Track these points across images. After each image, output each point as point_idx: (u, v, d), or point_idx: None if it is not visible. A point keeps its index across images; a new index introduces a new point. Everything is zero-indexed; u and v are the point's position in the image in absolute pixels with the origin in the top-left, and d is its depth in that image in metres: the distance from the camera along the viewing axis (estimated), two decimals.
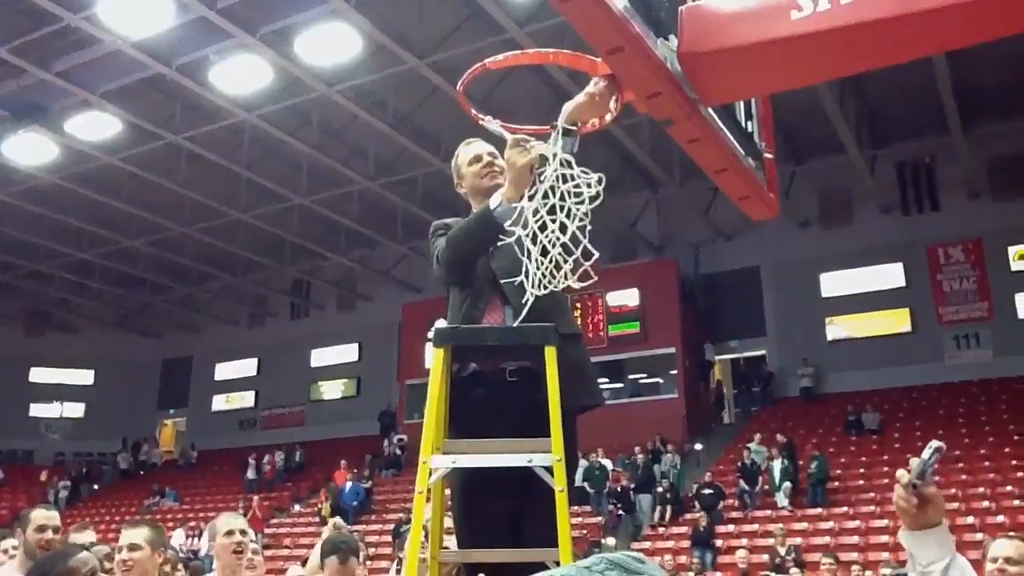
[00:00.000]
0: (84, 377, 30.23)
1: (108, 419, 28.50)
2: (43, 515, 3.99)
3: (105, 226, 22.15)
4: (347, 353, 27.40)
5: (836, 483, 17.16)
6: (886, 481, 16.88)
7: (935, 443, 1.79)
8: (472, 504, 2.80)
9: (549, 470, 2.37)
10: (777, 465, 16.97)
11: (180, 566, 5.24)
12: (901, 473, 1.76)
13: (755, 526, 16.26)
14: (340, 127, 18.75)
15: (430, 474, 2.39)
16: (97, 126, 17.61)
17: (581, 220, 2.45)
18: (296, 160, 19.85)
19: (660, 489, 17.61)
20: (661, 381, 22.05)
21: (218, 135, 18.32)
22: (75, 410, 30.03)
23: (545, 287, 2.47)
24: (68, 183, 19.70)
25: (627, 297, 21.82)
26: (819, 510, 16.26)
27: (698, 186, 19.31)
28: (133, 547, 3.38)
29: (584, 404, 2.79)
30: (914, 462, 1.76)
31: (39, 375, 29.84)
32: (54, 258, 23.98)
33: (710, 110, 2.82)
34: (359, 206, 21.66)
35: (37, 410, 29.72)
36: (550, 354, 2.47)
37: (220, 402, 29.60)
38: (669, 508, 17.25)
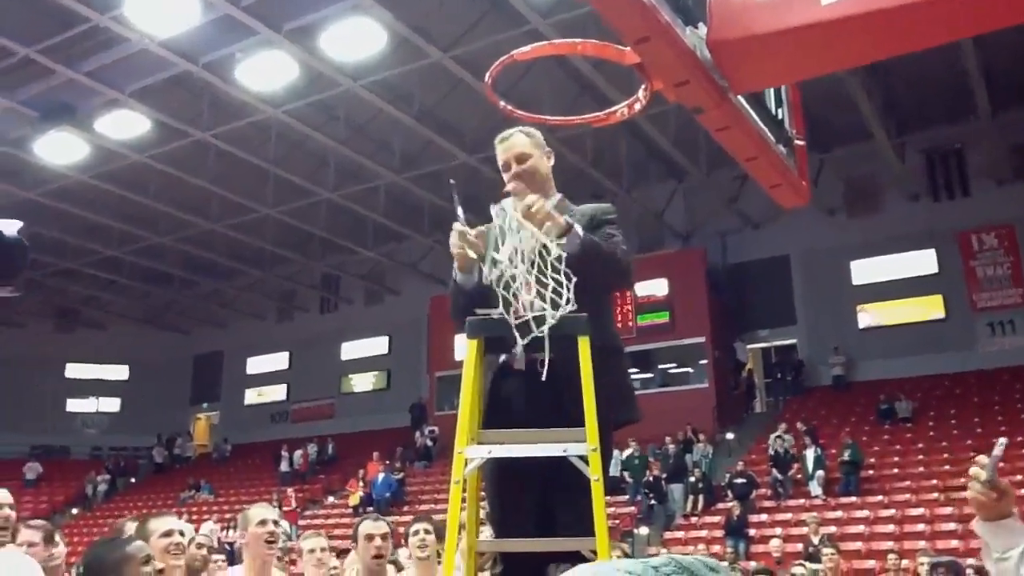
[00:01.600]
0: (119, 372, 30.69)
1: (143, 414, 28.91)
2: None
3: (134, 223, 22.40)
4: (377, 346, 27.56)
5: (870, 471, 17.04)
6: (920, 470, 16.75)
7: (1003, 440, 1.96)
8: (502, 492, 2.83)
9: (584, 460, 2.38)
10: (810, 454, 16.87)
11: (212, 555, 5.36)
12: (976, 471, 1.86)
13: (788, 515, 16.18)
14: (365, 121, 18.81)
15: (465, 464, 2.41)
16: (126, 125, 17.79)
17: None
18: (322, 155, 19.96)
19: (692, 479, 17.57)
20: (691, 371, 21.97)
21: (245, 131, 18.46)
22: (111, 405, 30.50)
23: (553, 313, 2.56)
24: (98, 181, 19.92)
25: (655, 287, 21.74)
26: (853, 499, 16.15)
27: (725, 175, 19.19)
28: (176, 532, 3.50)
29: (623, 419, 2.87)
30: (984, 459, 1.87)
31: (75, 371, 30.33)
32: (84, 256, 24.29)
33: (740, 98, 2.81)
34: (385, 200, 21.74)
35: (74, 405, 30.21)
36: (583, 343, 2.47)
37: (252, 396, 29.92)
38: (701, 498, 17.22)
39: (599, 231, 2.86)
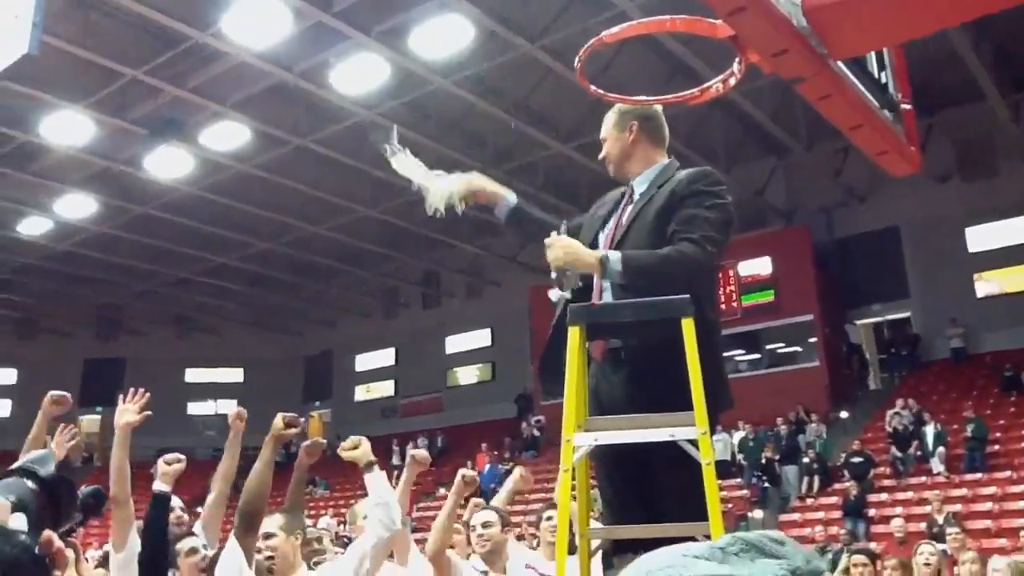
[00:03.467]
0: (235, 375, 31.89)
1: (259, 414, 29.51)
2: None
3: (241, 231, 23.15)
4: (480, 339, 27.86)
5: (995, 446, 16.32)
6: None
7: None
8: (612, 479, 2.83)
9: (694, 444, 2.35)
10: (930, 430, 16.28)
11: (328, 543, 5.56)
12: None
13: (909, 494, 15.65)
14: (458, 117, 18.95)
15: (574, 452, 2.40)
16: (228, 136, 18.39)
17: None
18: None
19: (806, 460, 17.17)
20: (800, 350, 21.45)
21: (341, 135, 18.82)
22: (228, 407, 31.55)
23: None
24: (205, 192, 20.66)
25: (759, 266, 21.29)
26: (979, 475, 15.51)
27: (826, 148, 18.65)
28: (267, 535, 3.60)
29: (724, 407, 2.84)
30: None
31: (194, 375, 31.65)
32: (196, 264, 25.24)
33: (840, 64, 2.71)
34: None
35: (193, 408, 31.54)
36: (687, 326, 2.43)
37: (362, 392, 30.65)
38: (817, 479, 16.81)
39: (682, 210, 2.81)
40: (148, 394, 4.09)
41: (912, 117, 3.26)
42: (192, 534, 4.21)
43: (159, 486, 4.04)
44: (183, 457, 4.21)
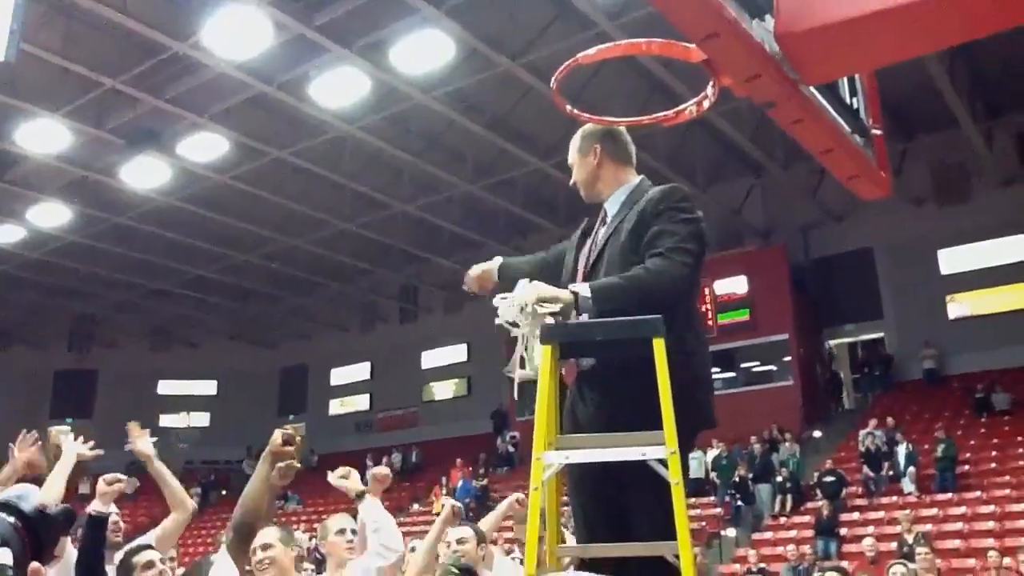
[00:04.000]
0: (208, 388, 31.64)
1: (232, 427, 29.70)
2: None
3: (219, 242, 23.03)
4: (456, 354, 27.80)
5: (966, 467, 16.47)
6: (1021, 463, 16.10)
7: None
8: (575, 496, 2.85)
9: (663, 463, 2.36)
10: (902, 450, 16.41)
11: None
12: None
13: (881, 513, 15.76)
14: (438, 132, 18.99)
15: (544, 470, 2.41)
16: (206, 147, 18.30)
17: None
18: (397, 167, 20.21)
19: (779, 479, 17.25)
20: (775, 368, 21.57)
21: (320, 148, 18.82)
22: (201, 419, 31.43)
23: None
24: (182, 203, 20.54)
25: (735, 285, 21.42)
26: (949, 495, 15.64)
27: (803, 168, 18.81)
28: (266, 546, 3.55)
29: (699, 427, 2.88)
30: None
31: (166, 387, 31.36)
32: (173, 276, 25.06)
33: (812, 89, 2.75)
34: (461, 209, 21.91)
35: (166, 420, 31.20)
36: (659, 346, 2.45)
37: (336, 406, 30.48)
38: (790, 497, 16.88)
39: (651, 228, 2.83)
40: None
41: (883, 142, 3.31)
42: (149, 546, 4.15)
43: (97, 507, 3.96)
44: (123, 477, 4.19)
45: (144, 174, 19.09)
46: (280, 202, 20.59)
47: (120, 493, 4.11)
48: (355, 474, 3.92)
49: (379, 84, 16.31)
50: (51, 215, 21.04)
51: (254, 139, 18.25)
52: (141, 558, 3.89)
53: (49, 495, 3.68)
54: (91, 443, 4.12)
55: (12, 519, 1.10)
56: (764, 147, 18.94)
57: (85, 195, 20.32)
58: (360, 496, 3.78)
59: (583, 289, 2.68)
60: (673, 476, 2.33)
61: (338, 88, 16.28)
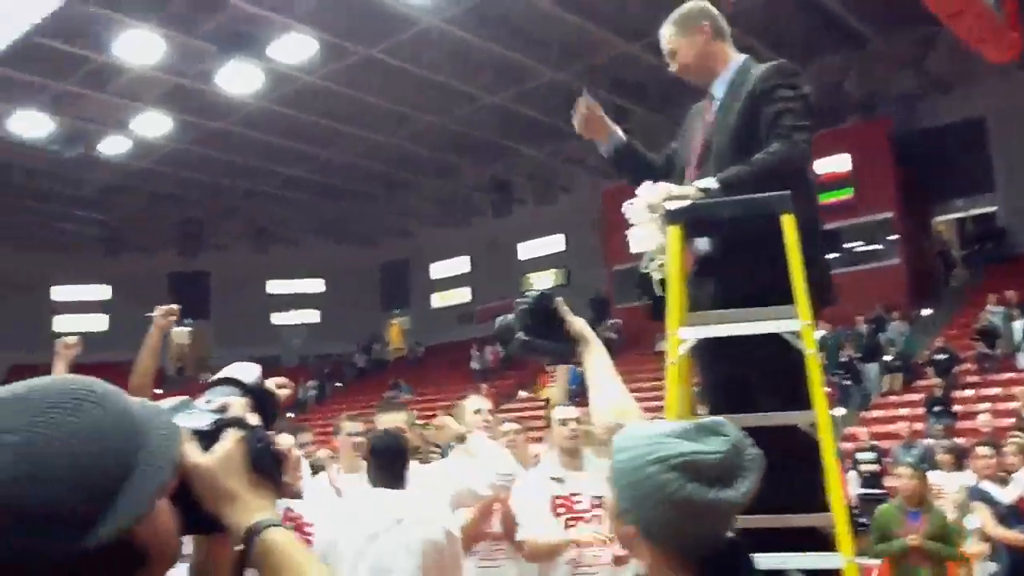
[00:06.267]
0: (316, 286, 32.84)
1: (341, 323, 30.90)
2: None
3: (312, 143, 23.33)
4: (553, 244, 28.00)
5: None
6: None
7: None
8: (705, 376, 2.91)
9: (796, 335, 2.39)
10: (1018, 325, 15.93)
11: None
12: None
13: (996, 390, 15.43)
14: (522, 20, 18.58)
15: (679, 344, 2.46)
16: (296, 48, 18.39)
17: None
18: (482, 59, 19.95)
19: (888, 358, 17.01)
20: (880, 247, 21.00)
21: (407, 44, 18.67)
22: (311, 316, 32.70)
23: None
24: (275, 105, 20.80)
25: (837, 163, 20.68)
26: None
27: (906, 38, 17.84)
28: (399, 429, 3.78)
29: (824, 303, 2.83)
30: None
31: (275, 287, 32.60)
32: (271, 177, 25.64)
33: None
34: (549, 98, 21.59)
35: (278, 319, 32.60)
36: (788, 221, 2.45)
37: (438, 300, 31.26)
38: (900, 376, 16.67)
39: (764, 109, 2.79)
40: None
41: (1015, 2, 3.15)
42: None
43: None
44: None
45: (238, 79, 19.32)
46: (370, 100, 20.65)
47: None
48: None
49: None
50: (153, 124, 21.64)
51: (342, 38, 18.23)
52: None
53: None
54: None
55: (239, 391, 1.17)
56: (865, 17, 17.99)
57: (183, 103, 20.77)
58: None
59: (709, 183, 2.67)
60: (808, 346, 2.36)
61: None
